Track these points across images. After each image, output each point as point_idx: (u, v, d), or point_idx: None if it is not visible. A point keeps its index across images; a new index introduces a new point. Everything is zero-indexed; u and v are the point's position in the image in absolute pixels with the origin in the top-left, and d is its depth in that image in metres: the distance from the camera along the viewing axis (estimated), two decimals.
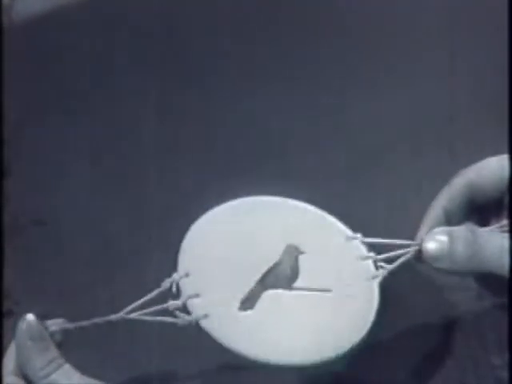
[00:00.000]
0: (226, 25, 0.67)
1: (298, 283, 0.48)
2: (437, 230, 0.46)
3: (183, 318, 0.47)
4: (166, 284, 0.48)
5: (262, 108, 0.64)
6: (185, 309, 0.48)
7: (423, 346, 0.51)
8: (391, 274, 0.46)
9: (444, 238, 0.45)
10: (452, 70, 0.61)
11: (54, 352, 0.46)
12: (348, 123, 0.62)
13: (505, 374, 0.47)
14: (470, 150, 0.50)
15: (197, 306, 0.48)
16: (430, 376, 0.51)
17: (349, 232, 0.48)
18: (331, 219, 0.48)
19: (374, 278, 0.46)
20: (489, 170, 0.47)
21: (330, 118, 0.62)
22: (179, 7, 0.69)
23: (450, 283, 0.52)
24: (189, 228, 0.49)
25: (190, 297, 0.48)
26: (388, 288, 0.47)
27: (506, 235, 0.45)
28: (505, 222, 0.46)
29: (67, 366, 0.46)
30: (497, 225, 0.47)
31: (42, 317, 0.47)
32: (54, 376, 0.45)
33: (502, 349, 0.48)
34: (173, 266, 0.49)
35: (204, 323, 0.47)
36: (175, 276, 0.48)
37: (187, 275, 0.48)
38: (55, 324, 0.47)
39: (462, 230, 0.45)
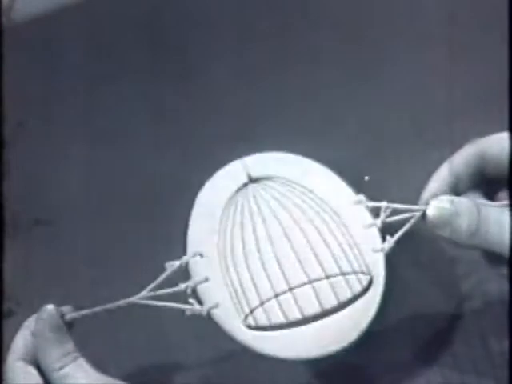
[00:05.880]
0: (224, 24, 0.68)
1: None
2: (442, 197, 0.46)
3: (194, 308, 0.47)
4: (173, 265, 0.48)
5: (260, 105, 0.64)
6: (195, 294, 0.47)
7: (422, 346, 0.51)
8: (397, 243, 0.46)
9: (448, 206, 0.45)
10: (452, 70, 0.61)
11: (70, 345, 0.46)
12: (347, 123, 0.62)
13: (505, 375, 0.47)
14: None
15: (206, 293, 0.47)
16: (429, 376, 0.51)
17: (354, 195, 0.48)
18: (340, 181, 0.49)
19: (381, 250, 0.46)
20: (503, 143, 0.47)
21: (329, 117, 0.62)
22: (179, 7, 0.69)
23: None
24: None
25: (199, 282, 0.47)
26: (387, 283, 0.47)
27: (508, 213, 0.45)
28: (506, 202, 0.46)
29: (81, 360, 0.46)
30: (498, 203, 0.47)
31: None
32: (67, 369, 0.45)
33: (503, 348, 0.48)
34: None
35: (215, 313, 0.47)
36: (184, 258, 0.48)
37: (195, 255, 0.48)
38: (70, 311, 0.47)
39: (467, 204, 0.45)
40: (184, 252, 0.49)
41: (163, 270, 0.48)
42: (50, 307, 0.46)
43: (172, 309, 0.47)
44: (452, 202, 0.45)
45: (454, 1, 0.62)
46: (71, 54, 0.70)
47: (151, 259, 0.57)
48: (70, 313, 0.47)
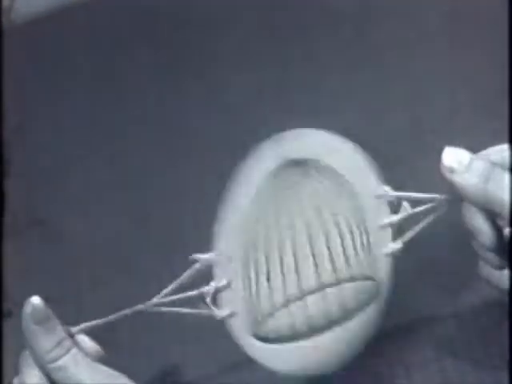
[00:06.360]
0: (224, 25, 0.68)
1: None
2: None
3: (211, 312, 0.46)
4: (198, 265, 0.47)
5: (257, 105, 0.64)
6: (214, 299, 0.47)
7: (422, 345, 0.52)
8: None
9: (462, 150, 0.45)
10: (452, 69, 0.61)
11: (60, 334, 0.45)
12: (348, 123, 0.62)
13: (505, 375, 0.47)
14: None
15: (225, 298, 0.47)
16: (430, 376, 0.51)
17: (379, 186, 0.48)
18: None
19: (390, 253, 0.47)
20: None
21: (329, 117, 0.62)
22: (179, 8, 0.69)
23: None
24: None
25: (222, 288, 0.46)
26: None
27: None
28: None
29: (75, 351, 0.45)
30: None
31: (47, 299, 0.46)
32: (62, 361, 0.44)
33: (503, 349, 0.48)
34: (175, 268, 0.49)
35: (230, 321, 0.46)
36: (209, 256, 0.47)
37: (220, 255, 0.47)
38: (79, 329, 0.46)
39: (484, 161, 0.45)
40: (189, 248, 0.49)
41: (165, 271, 0.48)
42: (33, 299, 0.45)
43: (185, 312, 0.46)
44: (467, 151, 0.45)
45: (456, 2, 0.62)
46: (71, 54, 0.70)
47: (152, 260, 0.57)
48: (79, 331, 0.46)
